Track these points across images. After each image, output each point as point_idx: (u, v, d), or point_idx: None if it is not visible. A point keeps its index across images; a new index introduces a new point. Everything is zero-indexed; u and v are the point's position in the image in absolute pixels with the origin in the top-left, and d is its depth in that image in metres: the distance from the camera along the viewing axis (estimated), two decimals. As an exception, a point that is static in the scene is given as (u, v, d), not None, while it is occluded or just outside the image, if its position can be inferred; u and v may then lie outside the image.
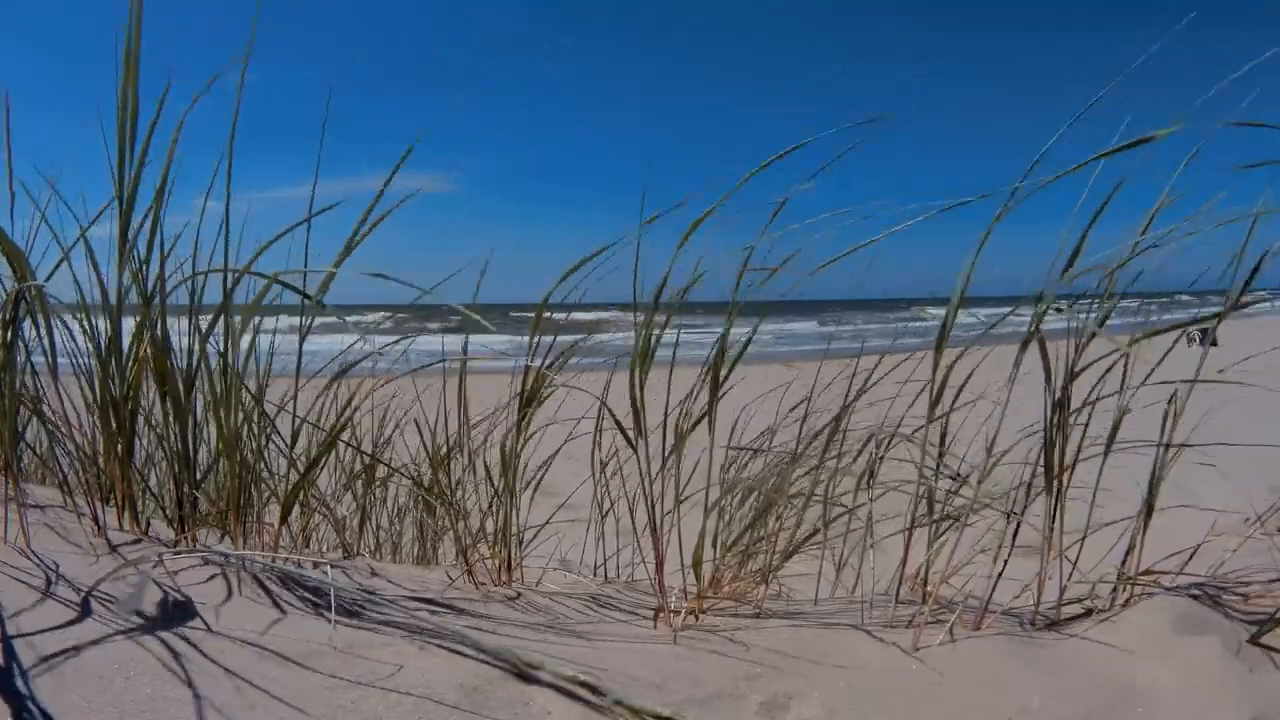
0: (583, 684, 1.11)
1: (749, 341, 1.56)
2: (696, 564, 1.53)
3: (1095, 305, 1.40)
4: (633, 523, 1.71)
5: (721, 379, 1.51)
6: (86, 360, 1.56)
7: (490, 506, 1.82)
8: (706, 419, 1.52)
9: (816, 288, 1.40)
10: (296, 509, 1.79)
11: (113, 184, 1.45)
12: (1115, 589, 1.45)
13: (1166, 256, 1.34)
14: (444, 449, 1.96)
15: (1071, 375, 1.38)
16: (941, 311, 1.40)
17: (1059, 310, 1.39)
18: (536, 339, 1.63)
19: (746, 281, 1.43)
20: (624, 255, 1.40)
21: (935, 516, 1.55)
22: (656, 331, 1.47)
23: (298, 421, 1.72)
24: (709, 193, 1.38)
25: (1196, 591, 1.43)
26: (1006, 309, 1.48)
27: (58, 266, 1.54)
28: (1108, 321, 1.38)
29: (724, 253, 1.43)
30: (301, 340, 1.52)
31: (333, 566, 1.68)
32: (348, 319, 1.44)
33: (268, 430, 1.63)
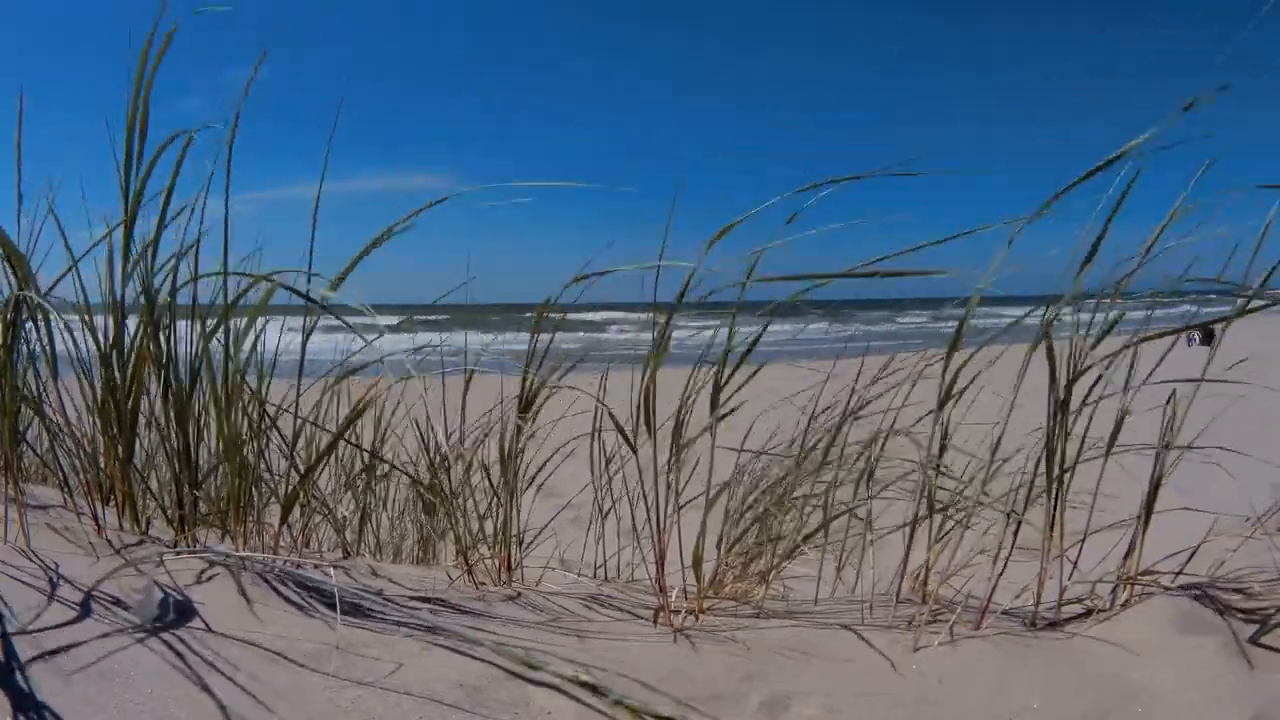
0: (583, 684, 1.11)
1: (756, 341, 1.56)
2: (696, 564, 1.53)
3: (1098, 304, 1.40)
4: (633, 522, 1.70)
5: (724, 380, 1.50)
6: (87, 361, 1.56)
7: (490, 507, 1.82)
8: (711, 419, 1.51)
9: (832, 289, 1.41)
10: (297, 509, 1.79)
11: (119, 181, 1.45)
12: (1115, 589, 1.45)
13: (1171, 257, 1.36)
14: (443, 449, 1.96)
15: (1075, 375, 1.38)
16: (959, 311, 1.42)
17: (1059, 319, 1.40)
18: (534, 344, 1.64)
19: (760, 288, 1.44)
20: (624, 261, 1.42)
21: (936, 510, 1.55)
22: (669, 332, 1.48)
23: (299, 422, 1.72)
24: (721, 199, 1.39)
25: (1197, 591, 1.42)
26: (1021, 310, 1.49)
27: (65, 274, 1.54)
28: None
29: (735, 258, 1.43)
30: (305, 341, 1.53)
31: (333, 567, 1.68)
32: (351, 320, 1.44)
33: (268, 431, 1.63)
